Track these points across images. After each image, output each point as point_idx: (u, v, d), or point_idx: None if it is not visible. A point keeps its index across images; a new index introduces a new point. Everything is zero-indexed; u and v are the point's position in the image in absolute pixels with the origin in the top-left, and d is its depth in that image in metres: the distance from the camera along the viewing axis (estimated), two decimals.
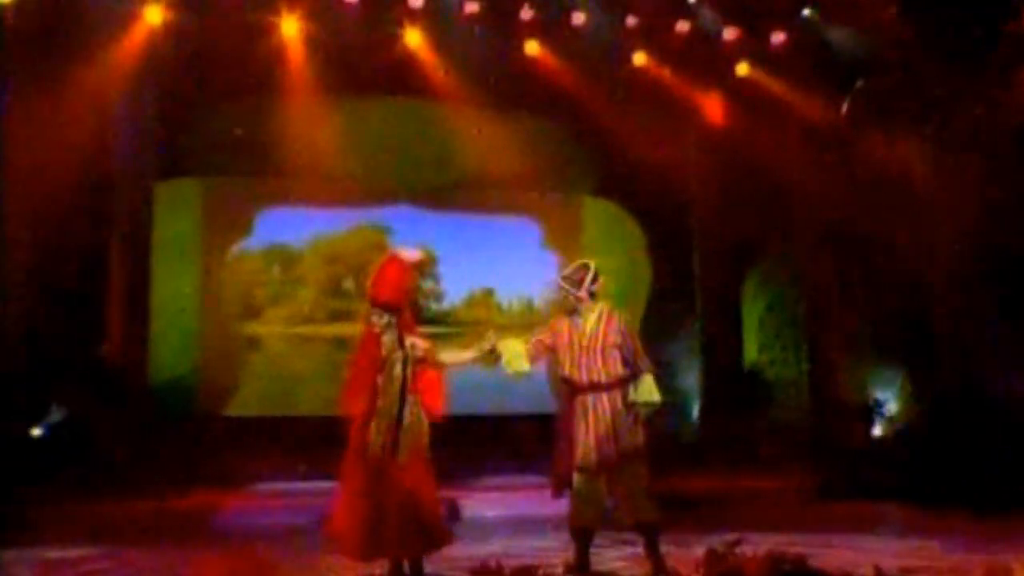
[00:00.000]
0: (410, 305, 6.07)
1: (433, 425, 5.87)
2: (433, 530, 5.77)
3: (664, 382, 6.13)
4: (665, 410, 13.30)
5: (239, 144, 12.21)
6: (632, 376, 6.00)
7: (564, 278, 6.11)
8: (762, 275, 13.27)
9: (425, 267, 13.31)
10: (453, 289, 13.41)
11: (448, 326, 13.20)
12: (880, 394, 12.10)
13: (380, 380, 5.74)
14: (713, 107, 12.49)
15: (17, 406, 10.50)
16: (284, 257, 13.10)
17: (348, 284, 12.96)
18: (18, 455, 9.78)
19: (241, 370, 12.83)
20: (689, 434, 12.71)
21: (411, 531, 5.64)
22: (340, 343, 12.51)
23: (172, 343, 12.33)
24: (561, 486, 6.09)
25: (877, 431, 11.97)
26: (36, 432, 11.08)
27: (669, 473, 11.12)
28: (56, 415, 11.20)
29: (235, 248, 12.96)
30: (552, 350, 6.09)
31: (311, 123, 12.18)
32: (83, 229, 10.88)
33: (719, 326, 12.88)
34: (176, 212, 12.50)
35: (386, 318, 5.82)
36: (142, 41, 11.12)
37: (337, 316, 12.96)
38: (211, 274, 12.73)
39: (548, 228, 13.92)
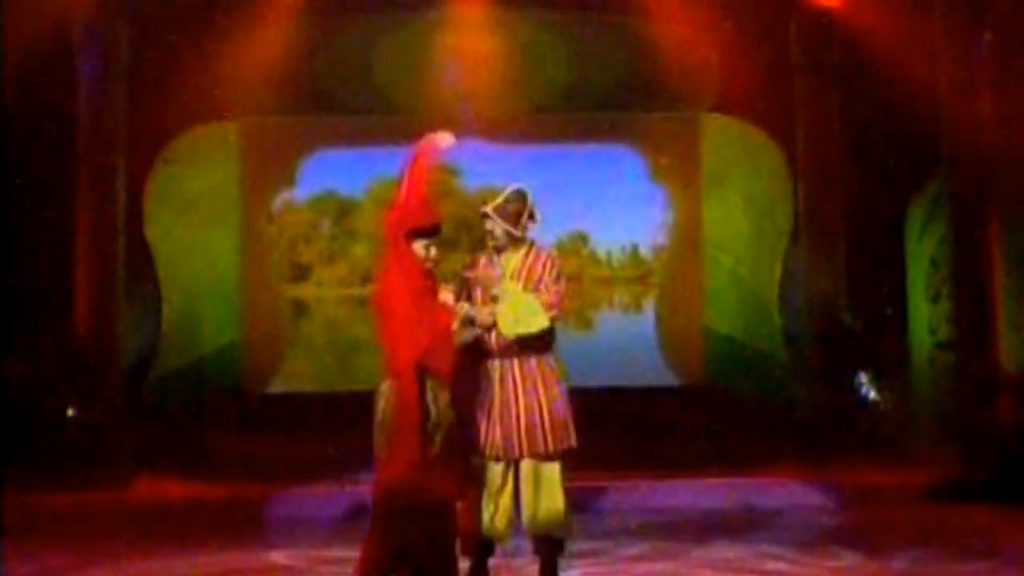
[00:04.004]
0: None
1: None
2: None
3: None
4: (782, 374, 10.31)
5: (278, 79, 10.62)
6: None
7: (497, 209, 5.11)
8: (932, 201, 10.13)
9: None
10: (537, 236, 11.10)
11: None
12: None
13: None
14: None
15: None
16: (335, 207, 11.48)
17: None
18: None
19: (288, 340, 11.38)
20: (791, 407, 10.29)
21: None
22: None
23: (214, 314, 11.05)
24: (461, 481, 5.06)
25: None
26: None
27: (756, 459, 8.91)
28: None
29: (278, 200, 11.42)
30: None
31: (356, 47, 10.80)
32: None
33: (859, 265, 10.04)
34: (209, 162, 11.09)
35: (433, 249, 4.61)
36: None
37: None
38: (251, 231, 11.26)
39: (655, 156, 11.53)
